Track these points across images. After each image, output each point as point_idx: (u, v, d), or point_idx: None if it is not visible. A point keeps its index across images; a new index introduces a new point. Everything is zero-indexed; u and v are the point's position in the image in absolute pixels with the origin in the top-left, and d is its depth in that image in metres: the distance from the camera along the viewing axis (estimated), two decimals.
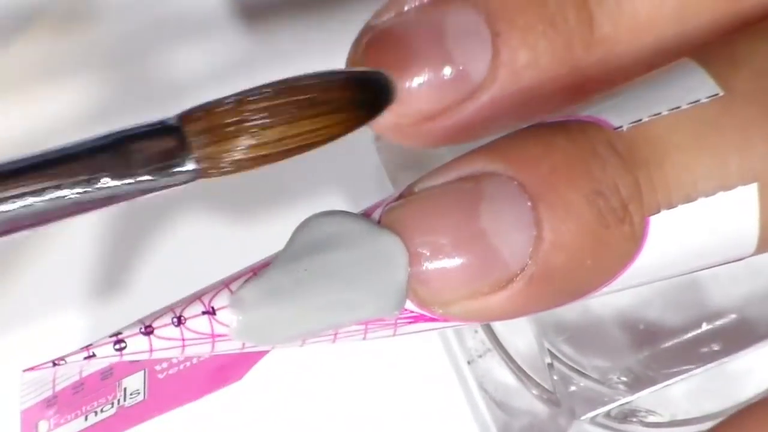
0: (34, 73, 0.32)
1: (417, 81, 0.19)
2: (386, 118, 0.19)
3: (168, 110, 0.28)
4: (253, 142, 0.17)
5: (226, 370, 0.20)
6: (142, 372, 0.19)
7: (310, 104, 0.17)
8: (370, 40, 0.19)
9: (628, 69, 0.19)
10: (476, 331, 0.28)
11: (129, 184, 0.16)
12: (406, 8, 0.19)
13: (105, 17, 0.33)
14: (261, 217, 0.31)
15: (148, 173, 0.16)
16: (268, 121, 0.17)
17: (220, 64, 0.33)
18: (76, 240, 0.30)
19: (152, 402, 0.19)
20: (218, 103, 0.17)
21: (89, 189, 0.16)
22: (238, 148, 0.16)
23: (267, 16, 0.33)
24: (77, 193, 0.16)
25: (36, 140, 0.31)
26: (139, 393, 0.19)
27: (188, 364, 0.19)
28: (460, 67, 0.19)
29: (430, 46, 0.19)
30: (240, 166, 0.17)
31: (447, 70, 0.19)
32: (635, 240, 0.18)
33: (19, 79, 0.32)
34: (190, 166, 0.16)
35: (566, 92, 0.19)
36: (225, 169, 0.16)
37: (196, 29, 0.33)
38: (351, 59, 0.19)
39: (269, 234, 0.19)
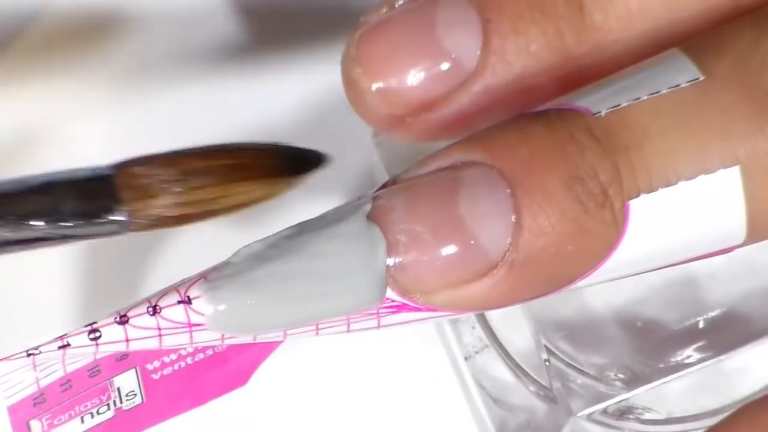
0: (29, 69, 0.32)
1: (409, 72, 0.19)
2: (381, 110, 0.19)
3: (163, 110, 0.28)
4: (180, 200, 0.17)
5: (229, 373, 0.20)
6: (134, 371, 0.19)
7: (240, 169, 0.17)
8: (362, 35, 0.19)
9: (620, 58, 0.19)
10: (473, 328, 0.28)
11: (56, 228, 0.16)
12: (398, 3, 0.19)
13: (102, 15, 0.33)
14: (259, 218, 0.31)
15: (77, 220, 0.16)
16: (198, 181, 0.17)
17: (217, 61, 0.33)
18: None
19: (152, 406, 0.19)
20: (152, 158, 0.17)
21: (18, 228, 0.16)
22: (165, 205, 0.17)
23: (265, 15, 0.33)
24: (5, 231, 0.16)
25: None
26: (135, 395, 0.19)
27: (183, 364, 0.19)
28: (452, 56, 0.19)
29: (421, 37, 0.19)
30: (165, 222, 0.17)
31: (438, 60, 0.19)
32: (616, 225, 0.18)
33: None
34: (118, 217, 0.16)
35: (560, 82, 0.19)
36: (150, 224, 0.17)
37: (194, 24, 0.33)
38: (346, 55, 0.19)
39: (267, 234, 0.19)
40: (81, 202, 0.16)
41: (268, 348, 0.20)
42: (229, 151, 0.17)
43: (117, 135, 0.32)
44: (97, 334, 0.17)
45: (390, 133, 0.20)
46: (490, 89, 0.19)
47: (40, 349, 0.17)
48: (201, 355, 0.19)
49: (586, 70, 0.19)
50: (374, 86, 0.19)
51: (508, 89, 0.19)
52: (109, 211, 0.16)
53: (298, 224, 0.18)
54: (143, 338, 0.17)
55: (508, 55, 0.19)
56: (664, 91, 0.18)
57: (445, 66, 0.19)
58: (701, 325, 0.26)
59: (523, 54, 0.19)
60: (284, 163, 0.18)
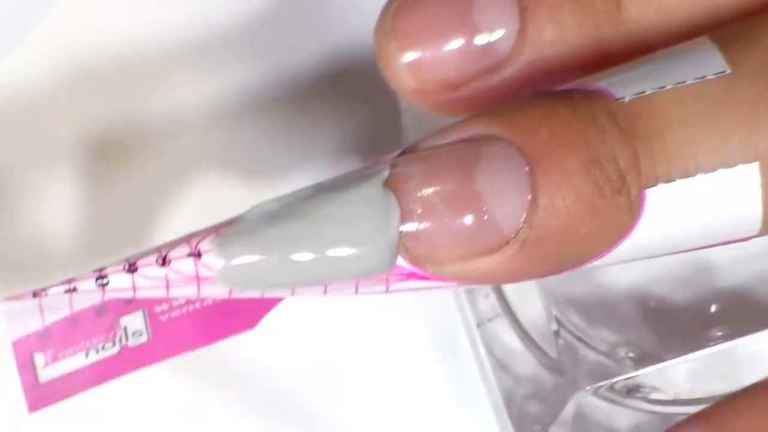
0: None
1: (442, 50, 0.19)
2: (409, 84, 0.19)
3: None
4: None
5: (238, 316, 0.20)
6: (141, 312, 0.19)
7: None
8: (398, 8, 0.19)
9: (653, 48, 0.19)
10: (487, 296, 0.28)
11: None
12: None
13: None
14: (274, 177, 0.31)
15: None
16: None
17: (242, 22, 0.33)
18: (78, 234, 0.30)
19: (158, 344, 0.19)
20: None
21: None
22: None
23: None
24: None
25: None
26: (142, 334, 0.19)
27: (191, 308, 0.19)
28: (487, 40, 0.19)
29: (457, 17, 0.19)
30: None
31: (472, 42, 0.19)
32: (631, 212, 0.18)
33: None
34: None
35: (589, 68, 0.19)
36: None
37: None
38: (379, 27, 0.19)
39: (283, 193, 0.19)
40: None
41: None
42: None
43: None
44: (105, 280, 0.17)
45: (417, 105, 0.20)
46: (520, 73, 0.19)
47: (48, 291, 0.18)
48: (210, 300, 0.20)
49: (616, 55, 0.19)
50: (405, 60, 0.19)
51: (538, 74, 0.19)
52: None
53: (314, 185, 0.18)
54: (150, 288, 0.18)
55: (543, 44, 0.19)
56: (690, 82, 0.18)
57: (478, 48, 0.19)
58: (713, 308, 0.26)
59: (558, 43, 0.19)
60: None
